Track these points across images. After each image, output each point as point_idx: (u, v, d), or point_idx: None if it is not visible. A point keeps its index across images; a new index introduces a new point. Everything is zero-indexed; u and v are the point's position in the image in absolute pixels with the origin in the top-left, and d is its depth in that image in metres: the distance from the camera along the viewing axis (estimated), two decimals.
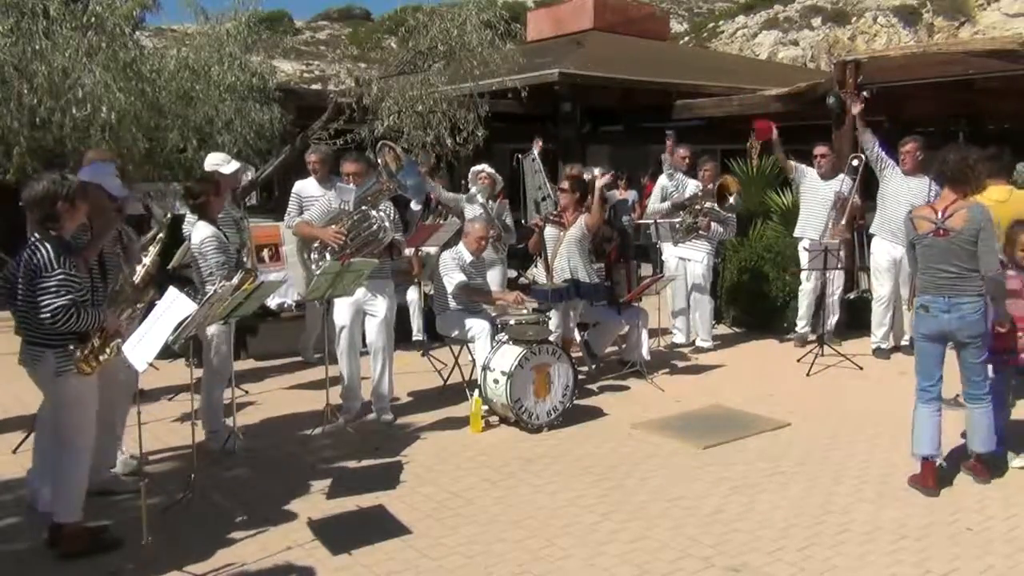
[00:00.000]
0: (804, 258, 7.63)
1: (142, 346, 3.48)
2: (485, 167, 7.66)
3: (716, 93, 12.28)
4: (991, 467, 4.52)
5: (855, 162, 7.66)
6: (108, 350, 3.65)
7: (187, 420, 4.99)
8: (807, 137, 8.14)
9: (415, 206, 7.40)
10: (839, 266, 7.36)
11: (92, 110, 6.52)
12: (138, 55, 7.26)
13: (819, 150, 7.75)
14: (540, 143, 7.41)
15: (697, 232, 7.55)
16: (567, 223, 6.55)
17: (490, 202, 7.47)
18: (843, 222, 7.52)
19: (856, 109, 7.58)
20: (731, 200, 7.45)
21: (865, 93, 7.78)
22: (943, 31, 32.50)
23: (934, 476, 4.36)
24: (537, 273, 6.67)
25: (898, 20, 34.43)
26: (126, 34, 7.10)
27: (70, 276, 3.51)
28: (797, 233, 7.82)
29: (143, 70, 7.21)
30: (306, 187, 6.89)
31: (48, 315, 3.44)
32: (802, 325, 7.82)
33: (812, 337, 7.72)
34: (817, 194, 7.66)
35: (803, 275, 7.71)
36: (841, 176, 7.63)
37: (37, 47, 6.45)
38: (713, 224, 7.55)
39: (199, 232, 4.90)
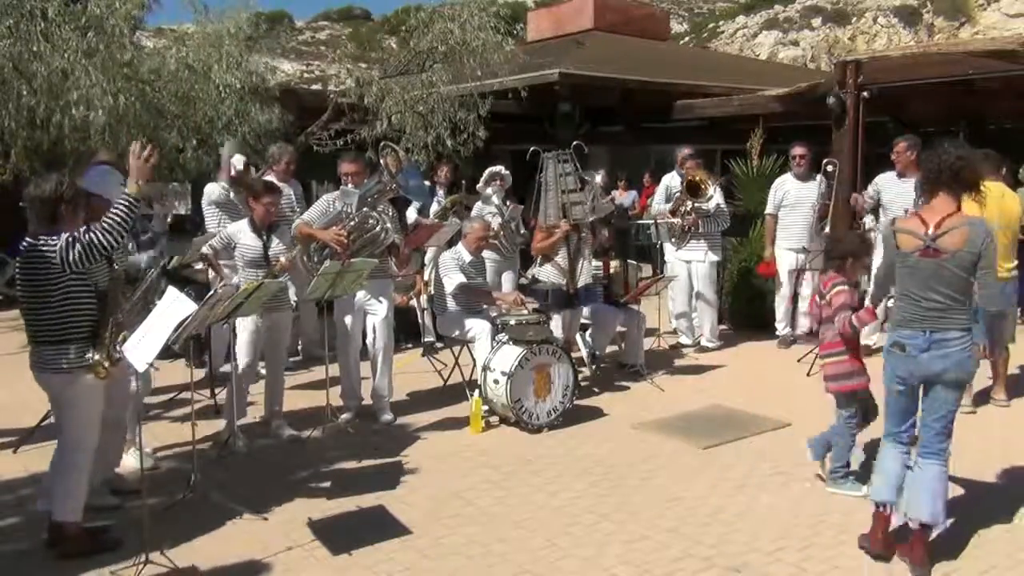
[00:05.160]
0: (781, 262, 7.66)
1: (142, 346, 3.48)
2: (501, 168, 7.60)
3: (716, 93, 12.27)
4: (930, 548, 3.56)
5: (829, 167, 7.65)
6: (119, 347, 3.65)
7: (187, 420, 4.99)
8: (807, 137, 8.13)
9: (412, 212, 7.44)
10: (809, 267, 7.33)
11: (90, 111, 6.52)
12: (136, 55, 7.26)
13: (798, 150, 7.66)
14: (583, 148, 7.28)
15: (689, 232, 7.54)
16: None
17: (506, 204, 7.44)
18: (826, 229, 7.51)
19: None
20: (709, 192, 7.43)
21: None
22: (943, 31, 32.51)
23: (884, 530, 3.65)
24: (539, 272, 6.66)
25: (898, 20, 34.46)
26: (125, 35, 7.10)
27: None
28: (781, 244, 7.71)
29: (142, 71, 7.22)
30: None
31: (78, 248, 3.51)
32: (782, 327, 7.86)
33: (795, 336, 7.82)
34: (796, 198, 7.61)
35: (780, 279, 7.72)
36: (818, 178, 7.61)
37: (36, 48, 6.46)
38: (700, 221, 7.51)
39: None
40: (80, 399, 3.66)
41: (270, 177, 7.05)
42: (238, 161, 6.59)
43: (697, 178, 7.42)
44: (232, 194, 6.54)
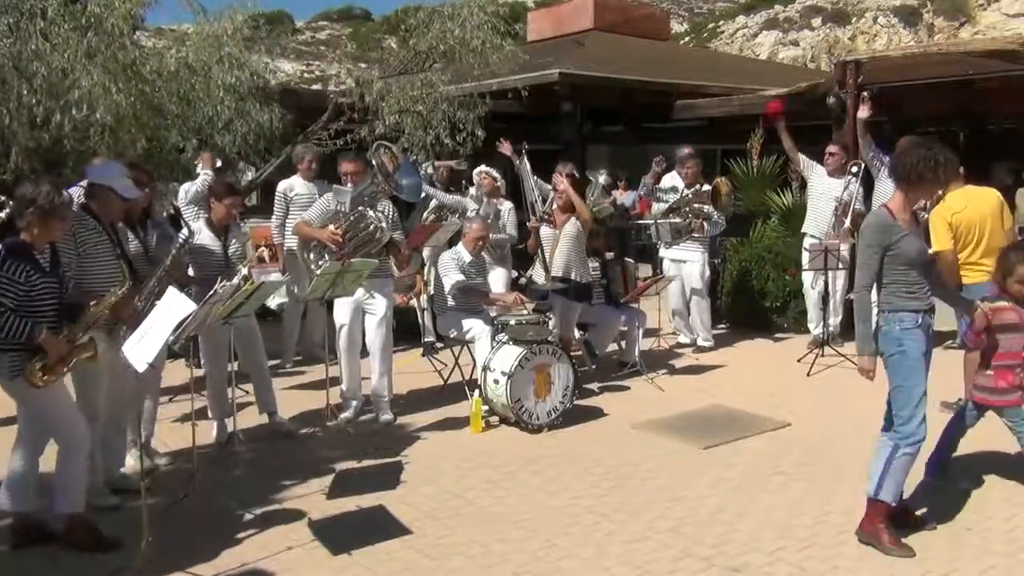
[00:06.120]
0: (805, 257, 7.64)
1: (142, 346, 3.48)
2: (482, 167, 7.69)
3: (716, 93, 12.26)
4: (878, 520, 3.70)
5: (854, 168, 7.65)
6: (64, 367, 3.66)
7: (187, 420, 5.00)
8: (807, 137, 8.13)
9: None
10: (840, 266, 7.33)
11: (91, 110, 6.51)
12: (137, 56, 7.25)
13: (831, 148, 7.73)
14: (525, 146, 7.33)
15: (690, 233, 7.55)
16: (558, 223, 6.58)
17: (484, 200, 7.52)
18: (846, 227, 7.50)
19: (864, 112, 7.22)
20: (723, 200, 7.45)
21: (866, 93, 7.60)
22: (943, 31, 32.51)
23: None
24: (536, 273, 6.68)
25: (898, 20, 34.46)
26: (125, 35, 7.09)
27: (11, 281, 3.51)
28: (804, 229, 7.80)
29: (143, 71, 7.21)
30: (293, 185, 7.14)
31: None
32: (814, 326, 7.72)
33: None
34: (822, 190, 7.65)
35: (806, 277, 7.70)
36: (847, 178, 7.61)
37: (36, 47, 6.45)
38: (704, 224, 7.54)
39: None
40: (41, 397, 3.65)
41: (297, 177, 7.11)
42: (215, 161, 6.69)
43: (723, 190, 7.45)
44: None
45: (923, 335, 3.69)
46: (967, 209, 5.45)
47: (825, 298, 7.62)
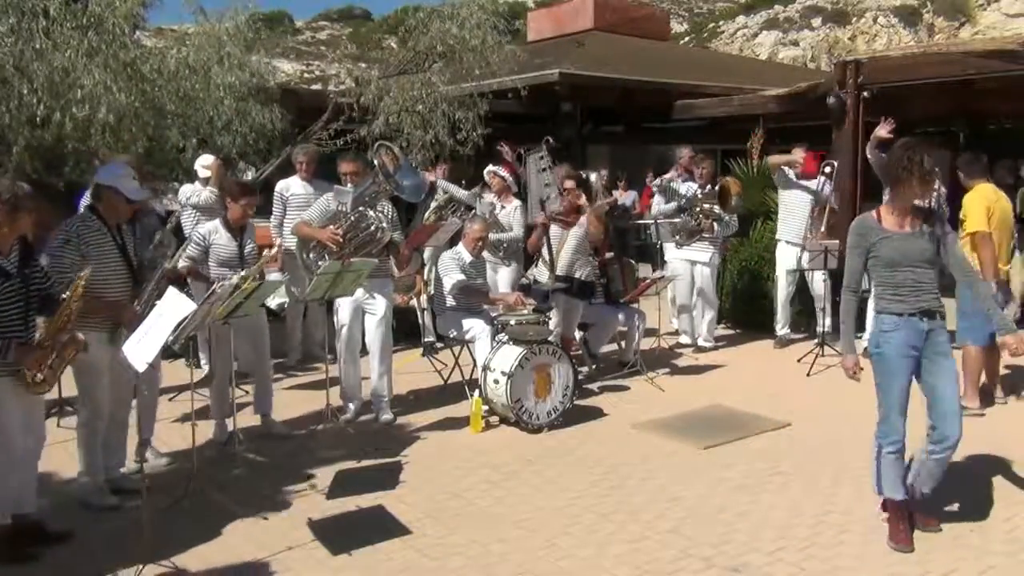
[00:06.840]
0: (782, 259, 7.66)
1: (142, 346, 3.48)
2: (491, 167, 7.68)
3: (716, 93, 12.26)
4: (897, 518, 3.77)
5: (827, 168, 7.67)
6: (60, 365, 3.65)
7: (187, 420, 5.00)
8: (807, 137, 8.13)
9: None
10: (825, 268, 7.31)
11: (92, 110, 6.52)
12: (138, 55, 7.25)
13: (796, 151, 7.73)
14: (550, 141, 7.33)
15: (700, 234, 7.55)
16: (572, 222, 6.58)
17: (478, 199, 7.55)
18: (823, 228, 7.50)
19: (883, 131, 6.95)
20: (733, 201, 7.46)
21: (889, 120, 7.42)
22: (943, 31, 32.50)
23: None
24: (538, 272, 6.68)
25: (898, 20, 34.44)
26: (126, 34, 7.10)
27: None
28: (779, 236, 7.79)
29: (144, 70, 7.21)
30: (289, 185, 7.16)
31: None
32: (780, 327, 7.83)
33: (795, 337, 7.77)
34: (799, 196, 7.64)
35: (779, 277, 7.72)
36: (818, 179, 7.62)
37: (37, 47, 6.45)
38: (715, 225, 7.56)
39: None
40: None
41: (295, 178, 7.15)
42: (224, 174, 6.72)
43: (733, 190, 7.45)
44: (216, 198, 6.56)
45: (908, 337, 3.67)
46: (999, 201, 5.51)
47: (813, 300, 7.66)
